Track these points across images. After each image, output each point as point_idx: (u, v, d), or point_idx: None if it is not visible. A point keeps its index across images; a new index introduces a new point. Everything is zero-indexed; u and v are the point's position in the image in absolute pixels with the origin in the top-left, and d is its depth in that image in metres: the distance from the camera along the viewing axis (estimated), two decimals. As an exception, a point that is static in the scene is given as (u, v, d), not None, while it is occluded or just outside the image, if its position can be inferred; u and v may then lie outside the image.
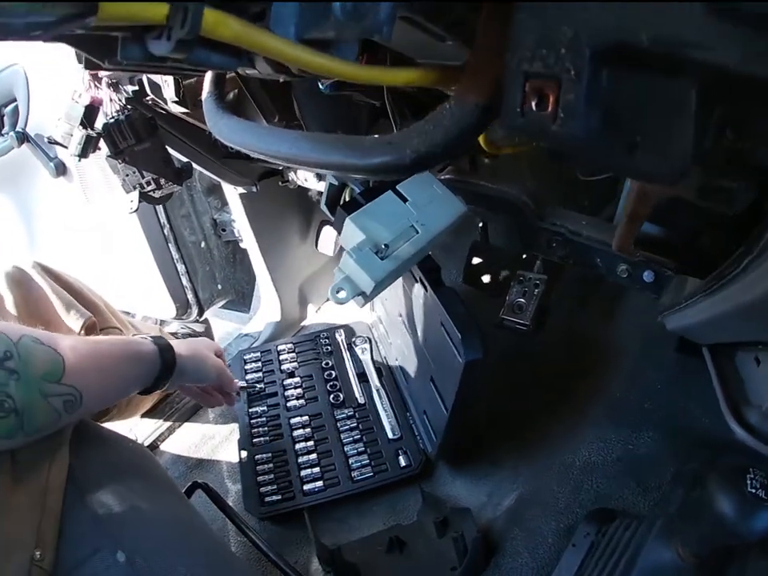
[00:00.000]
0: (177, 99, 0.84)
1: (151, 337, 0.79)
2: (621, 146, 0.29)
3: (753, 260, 0.41)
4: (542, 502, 0.88)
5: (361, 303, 0.51)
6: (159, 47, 0.27)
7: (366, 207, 0.53)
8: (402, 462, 1.04)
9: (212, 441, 1.18)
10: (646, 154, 0.28)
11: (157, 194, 1.05)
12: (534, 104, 0.27)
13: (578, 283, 1.21)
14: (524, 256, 0.94)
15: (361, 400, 1.19)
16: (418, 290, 0.96)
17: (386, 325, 1.28)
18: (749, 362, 0.55)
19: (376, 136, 0.35)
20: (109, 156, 0.99)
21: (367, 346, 1.31)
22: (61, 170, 1.37)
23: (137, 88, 0.93)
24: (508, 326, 0.93)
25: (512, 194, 0.70)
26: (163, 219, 1.53)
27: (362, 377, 1.24)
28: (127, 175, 1.01)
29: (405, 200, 0.55)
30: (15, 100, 1.38)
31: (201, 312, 1.61)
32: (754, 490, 0.59)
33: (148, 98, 0.95)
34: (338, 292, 0.46)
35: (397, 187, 0.52)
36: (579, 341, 1.15)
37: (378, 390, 1.20)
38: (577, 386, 1.07)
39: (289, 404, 1.18)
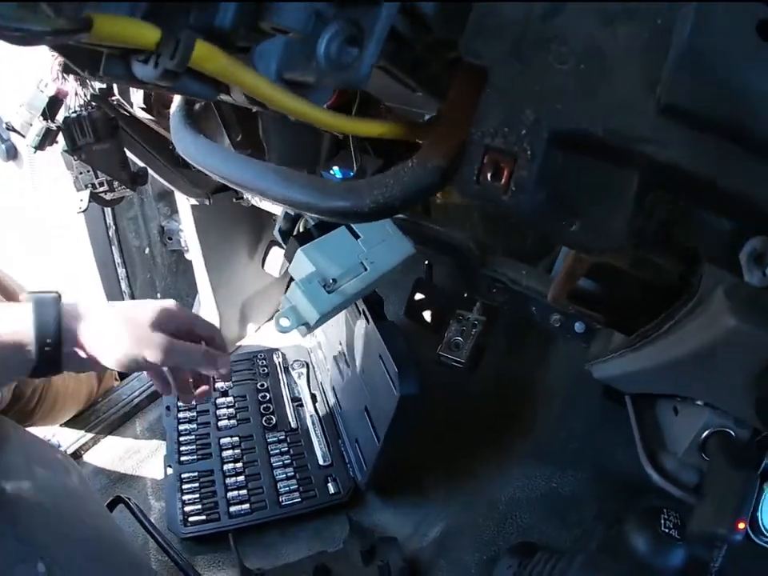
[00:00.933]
0: (143, 106, 0.83)
1: (31, 293, 0.61)
2: (561, 220, 0.32)
3: (673, 325, 0.46)
4: (467, 534, 0.90)
5: (303, 333, 0.52)
6: (144, 72, 0.28)
7: (318, 240, 0.54)
8: (331, 489, 1.04)
9: (137, 455, 1.13)
10: (584, 229, 0.32)
11: (108, 196, 1.03)
12: (489, 175, 0.30)
13: (515, 326, 1.26)
14: (465, 295, 0.97)
15: (293, 424, 1.18)
16: (359, 320, 0.98)
17: (324, 351, 1.28)
18: (668, 411, 0.60)
19: (339, 180, 0.37)
20: (65, 151, 0.96)
21: (304, 370, 1.31)
22: (12, 153, 1.32)
23: (104, 86, 0.91)
24: (444, 362, 0.96)
25: (458, 239, 0.74)
26: (110, 220, 1.49)
27: (297, 401, 1.23)
28: (81, 173, 0.98)
29: (357, 236, 0.57)
30: None
31: (136, 320, 1.56)
32: (667, 530, 0.64)
33: (114, 98, 0.93)
34: (282, 320, 0.47)
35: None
36: (512, 381, 1.20)
37: (311, 416, 1.20)
38: (507, 425, 1.11)
39: (220, 423, 1.16)
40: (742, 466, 0.48)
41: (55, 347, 0.58)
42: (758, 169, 0.27)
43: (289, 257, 0.53)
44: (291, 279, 0.50)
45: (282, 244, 0.71)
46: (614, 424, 0.98)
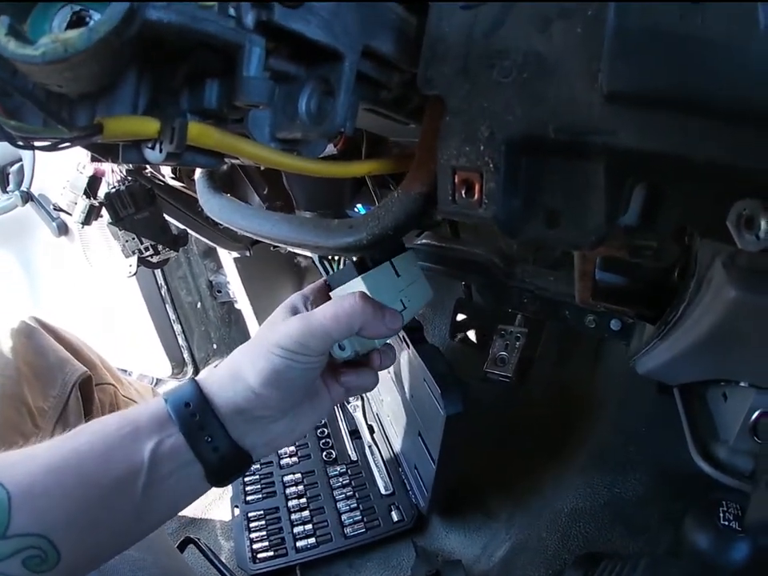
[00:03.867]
0: (173, 175, 0.91)
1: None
2: (540, 223, 0.34)
3: (687, 306, 0.46)
4: (532, 549, 0.90)
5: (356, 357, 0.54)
6: (153, 156, 0.33)
7: (371, 272, 0.55)
8: (395, 517, 1.05)
9: (205, 498, 1.18)
10: (563, 228, 0.34)
11: (154, 259, 1.12)
12: (463, 192, 0.33)
13: (561, 334, 1.26)
14: (508, 310, 0.99)
15: (353, 457, 1.21)
16: (403, 348, 1.01)
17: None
18: (717, 398, 0.58)
19: (341, 220, 0.41)
20: (110, 223, 1.05)
21: (359, 403, 1.34)
22: (63, 229, 1.45)
23: (137, 162, 1.00)
24: (492, 379, 0.97)
25: (481, 255, 0.76)
26: (161, 281, 1.60)
27: (355, 434, 1.27)
28: (127, 241, 1.08)
29: (397, 274, 0.58)
30: (21, 160, 1.47)
31: (196, 371, 1.65)
32: (727, 522, 0.62)
33: (147, 171, 1.03)
34: (340, 348, 0.50)
35: (392, 260, 0.55)
36: (563, 390, 1.19)
37: (370, 447, 1.22)
38: (563, 435, 1.09)
39: (282, 462, 1.20)
40: None
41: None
42: (723, 132, 0.28)
43: (337, 281, 0.54)
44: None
45: (324, 273, 0.74)
46: (672, 420, 0.95)
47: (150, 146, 0.33)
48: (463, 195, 0.33)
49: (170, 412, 0.44)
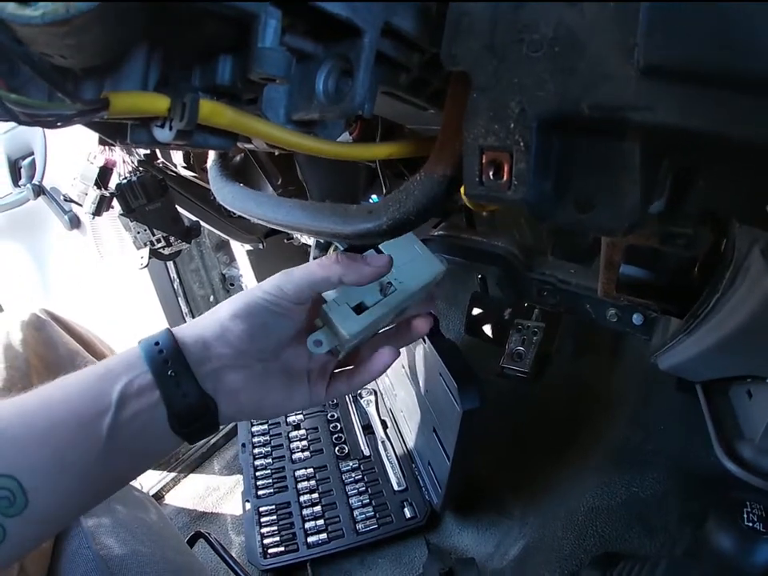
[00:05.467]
0: (185, 165, 0.90)
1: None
2: (572, 206, 0.32)
3: (719, 299, 0.44)
4: (547, 548, 0.88)
5: (338, 354, 0.53)
6: (162, 135, 0.32)
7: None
8: (408, 514, 1.04)
9: (216, 492, 1.18)
10: (597, 212, 0.32)
11: (166, 251, 1.11)
12: (491, 173, 0.31)
13: (579, 329, 1.23)
14: (525, 305, 0.97)
15: (366, 452, 1.20)
16: (418, 342, 0.99)
17: (390, 377, 1.30)
18: (741, 396, 0.57)
19: (358, 205, 0.39)
20: (121, 214, 1.05)
21: (372, 398, 1.33)
22: (75, 223, 1.45)
23: (148, 152, 1.00)
24: (508, 374, 0.95)
25: (501, 247, 0.74)
26: (173, 274, 1.60)
27: (368, 429, 1.25)
28: (138, 233, 1.07)
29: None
30: (32, 153, 1.47)
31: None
32: (751, 524, 0.59)
33: (159, 161, 1.02)
34: (314, 343, 0.49)
35: (379, 246, 0.55)
36: (580, 386, 1.17)
37: (383, 442, 1.21)
38: (579, 432, 1.07)
39: (294, 456, 1.19)
40: None
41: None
42: (751, 110, 0.26)
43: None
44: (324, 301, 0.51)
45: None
46: (692, 418, 0.93)
47: (159, 124, 0.32)
48: (491, 177, 0.31)
49: (141, 351, 0.45)
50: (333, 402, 1.33)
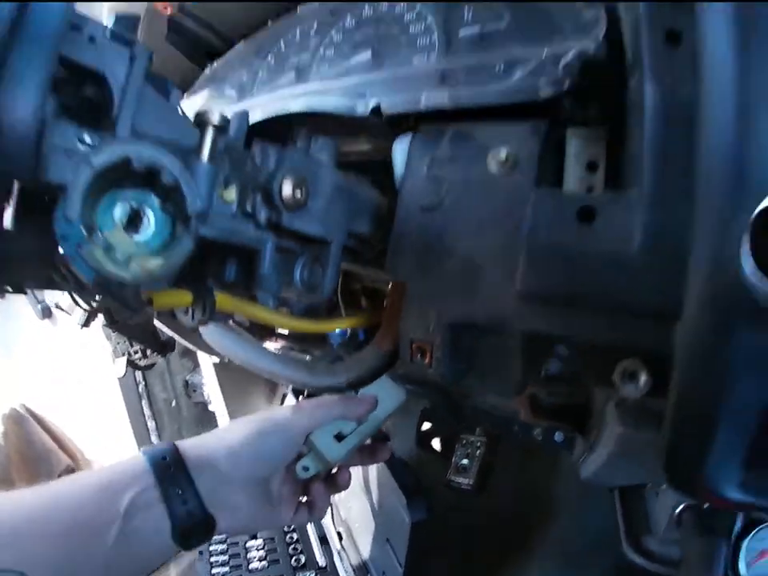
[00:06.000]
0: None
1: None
2: (476, 379, 0.46)
3: (596, 435, 0.57)
4: None
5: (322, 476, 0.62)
6: (187, 321, 0.44)
7: None
8: (363, 625, 1.08)
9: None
10: (491, 384, 0.45)
11: (142, 363, 1.20)
12: (418, 356, 0.45)
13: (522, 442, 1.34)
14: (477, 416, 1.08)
15: (322, 562, 1.24)
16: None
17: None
18: (651, 495, 0.66)
19: (324, 363, 0.52)
20: (105, 325, 1.14)
21: (328, 509, 1.38)
22: (47, 313, 1.52)
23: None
24: (454, 487, 1.05)
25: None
26: (139, 377, 1.65)
27: (323, 540, 1.30)
28: (119, 343, 1.17)
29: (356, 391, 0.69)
30: None
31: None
32: None
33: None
34: (303, 468, 0.58)
35: None
36: (525, 492, 1.25)
37: (339, 552, 1.25)
38: (525, 536, 1.15)
39: (251, 566, 1.22)
40: (710, 532, 0.53)
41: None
42: (596, 321, 0.40)
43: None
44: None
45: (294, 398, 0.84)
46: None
47: (183, 311, 0.44)
48: (419, 358, 0.45)
49: (147, 464, 0.50)
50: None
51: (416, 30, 0.58)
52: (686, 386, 0.35)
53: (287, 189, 0.41)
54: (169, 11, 0.80)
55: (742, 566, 0.52)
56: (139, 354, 1.19)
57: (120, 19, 0.47)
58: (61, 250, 0.32)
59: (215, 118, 0.40)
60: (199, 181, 0.38)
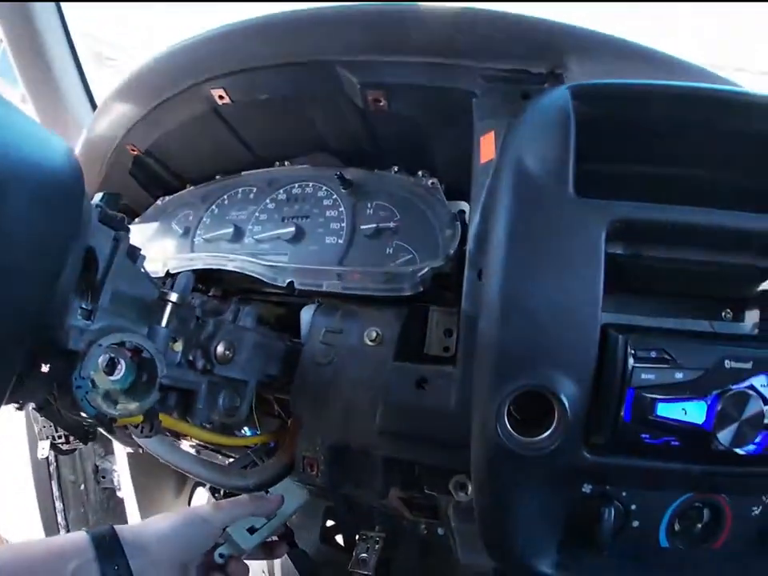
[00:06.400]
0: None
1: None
2: (352, 486, 0.63)
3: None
4: None
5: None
6: (136, 433, 0.59)
7: None
8: None
9: None
10: (362, 489, 0.63)
11: (64, 447, 1.27)
12: (308, 468, 0.62)
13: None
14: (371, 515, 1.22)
15: None
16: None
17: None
18: None
19: (236, 470, 0.68)
20: (33, 408, 1.22)
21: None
22: None
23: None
24: (356, 578, 1.17)
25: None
26: (51, 457, 1.67)
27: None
28: (44, 426, 1.24)
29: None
30: None
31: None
32: None
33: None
34: (219, 555, 0.69)
35: None
36: None
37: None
38: None
39: None
40: None
41: None
42: (432, 450, 0.59)
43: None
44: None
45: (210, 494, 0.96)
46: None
47: (135, 426, 0.60)
48: (308, 469, 0.62)
49: (90, 540, 0.59)
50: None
51: (331, 215, 0.80)
52: (477, 494, 0.53)
53: (220, 349, 0.59)
54: (135, 152, 0.99)
55: None
56: (63, 440, 1.26)
57: (108, 197, 0.64)
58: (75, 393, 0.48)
59: (174, 297, 0.57)
60: (158, 341, 0.55)
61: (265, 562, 1.28)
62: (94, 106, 1.26)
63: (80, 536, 0.61)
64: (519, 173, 0.49)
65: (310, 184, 0.85)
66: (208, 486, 1.05)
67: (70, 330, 0.48)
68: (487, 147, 0.59)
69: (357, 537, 1.22)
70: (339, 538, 1.30)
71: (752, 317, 0.66)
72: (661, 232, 0.50)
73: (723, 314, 0.65)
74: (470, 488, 0.62)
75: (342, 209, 0.80)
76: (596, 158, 0.52)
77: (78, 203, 0.49)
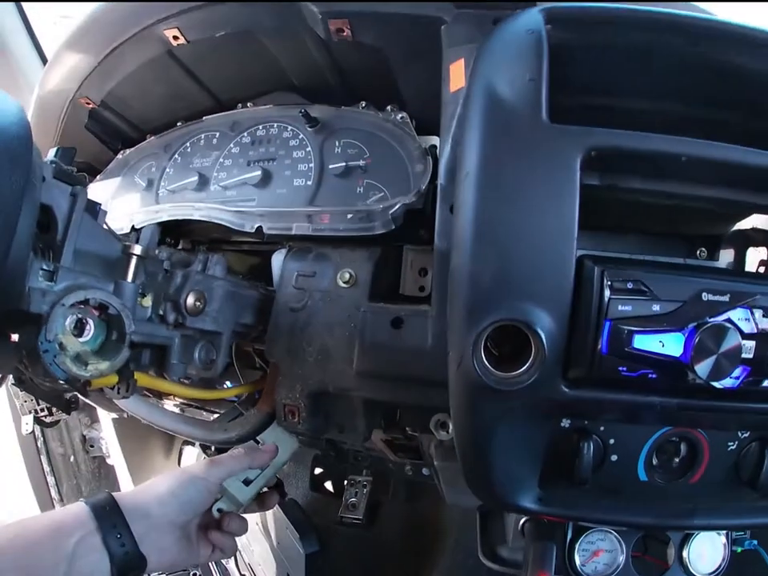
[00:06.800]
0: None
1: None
2: (334, 429, 0.64)
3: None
4: None
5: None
6: (113, 394, 0.59)
7: None
8: None
9: None
10: (346, 433, 0.64)
11: (48, 420, 1.28)
12: (290, 416, 0.62)
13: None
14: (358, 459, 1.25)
15: (228, 604, 1.34)
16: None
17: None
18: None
19: (219, 424, 0.68)
20: (12, 384, 1.21)
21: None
22: None
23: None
24: (347, 523, 1.21)
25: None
26: (37, 432, 1.68)
27: (230, 583, 1.40)
28: (25, 401, 1.24)
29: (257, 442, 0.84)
30: None
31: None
32: None
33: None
34: (218, 510, 0.69)
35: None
36: (414, 522, 1.42)
37: (243, 593, 1.37)
38: (416, 562, 1.32)
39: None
40: (544, 538, 0.63)
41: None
42: (411, 390, 0.59)
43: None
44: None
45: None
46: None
47: (110, 388, 0.59)
48: (290, 417, 0.62)
49: (90, 511, 0.59)
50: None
51: (298, 155, 0.78)
52: (457, 431, 0.53)
53: (190, 301, 0.58)
54: (91, 105, 0.94)
55: (577, 564, 0.63)
56: (45, 412, 1.26)
57: (62, 151, 0.61)
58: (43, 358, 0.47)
59: (137, 250, 0.56)
60: (125, 297, 0.54)
61: (258, 513, 1.31)
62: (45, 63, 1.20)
63: (79, 508, 0.61)
64: (490, 100, 0.47)
65: (275, 125, 0.82)
66: (198, 443, 1.07)
67: (31, 292, 0.46)
68: (457, 75, 0.57)
69: (345, 482, 1.28)
70: (328, 485, 1.34)
71: (726, 256, 0.67)
72: (637, 161, 0.48)
73: (698, 252, 0.66)
74: (450, 426, 0.62)
75: (308, 149, 0.77)
76: (570, 87, 0.50)
77: (26, 157, 0.46)
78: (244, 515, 0.74)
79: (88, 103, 0.93)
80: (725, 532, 0.65)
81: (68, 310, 0.48)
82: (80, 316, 0.50)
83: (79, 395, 1.24)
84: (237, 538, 0.74)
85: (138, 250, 0.55)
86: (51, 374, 0.48)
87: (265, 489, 0.78)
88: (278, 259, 0.67)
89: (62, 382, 0.50)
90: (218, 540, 0.71)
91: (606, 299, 0.46)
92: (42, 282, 0.47)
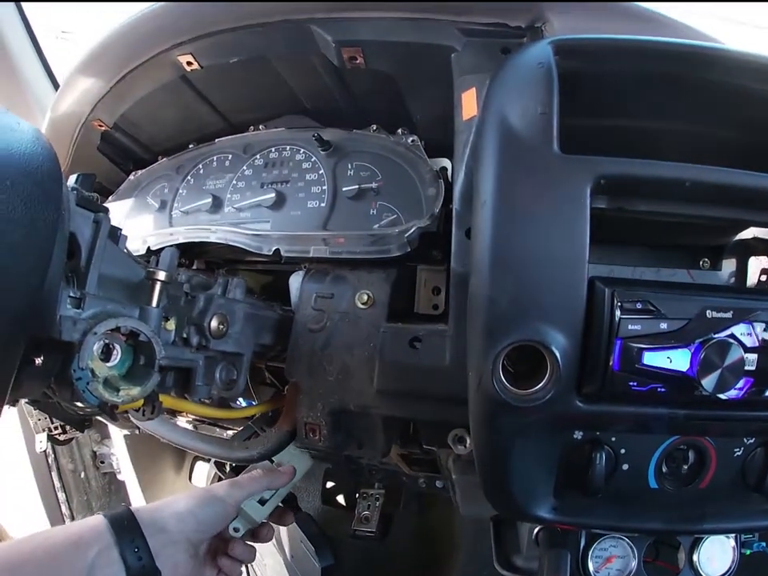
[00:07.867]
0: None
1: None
2: (354, 447, 0.66)
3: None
4: None
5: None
6: (137, 417, 0.61)
7: None
8: None
9: None
10: (365, 449, 0.66)
11: (62, 438, 1.30)
12: (311, 434, 0.65)
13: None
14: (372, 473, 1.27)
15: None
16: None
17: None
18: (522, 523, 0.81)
19: (239, 442, 0.71)
20: (26, 402, 1.24)
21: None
22: None
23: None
24: (360, 536, 1.23)
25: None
26: (48, 449, 1.70)
27: (240, 598, 1.42)
28: (39, 420, 1.26)
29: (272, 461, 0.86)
30: None
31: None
32: None
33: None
34: (234, 529, 0.72)
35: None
36: (425, 534, 1.45)
37: (255, 609, 1.38)
38: (429, 573, 1.34)
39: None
40: (558, 546, 0.65)
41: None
42: (430, 407, 0.62)
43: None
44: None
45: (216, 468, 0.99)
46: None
47: (135, 410, 0.62)
48: (311, 435, 0.65)
49: (108, 525, 0.61)
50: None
51: (311, 178, 0.81)
52: (476, 446, 0.55)
53: (214, 324, 0.60)
54: (103, 128, 0.97)
55: (591, 571, 0.66)
56: (59, 430, 1.28)
57: (82, 178, 0.63)
58: (76, 385, 0.49)
59: (162, 276, 0.58)
60: (151, 322, 0.56)
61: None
62: (55, 85, 1.23)
63: (98, 521, 0.63)
64: (503, 131, 0.50)
65: (287, 147, 0.85)
66: (212, 460, 1.09)
67: (62, 321, 0.49)
68: (469, 104, 0.60)
69: (357, 495, 1.30)
70: (340, 498, 1.36)
71: (729, 265, 0.70)
72: (644, 187, 0.52)
73: (701, 262, 0.69)
74: (468, 441, 0.65)
75: (321, 171, 0.80)
76: (579, 113, 0.53)
77: (57, 190, 0.48)
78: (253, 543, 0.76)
79: (101, 126, 0.96)
80: (733, 535, 0.68)
81: (98, 337, 0.51)
82: (107, 341, 0.53)
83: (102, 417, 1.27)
84: None
85: (162, 276, 0.58)
86: (84, 400, 0.50)
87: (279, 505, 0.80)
88: (296, 281, 0.70)
89: (92, 407, 0.52)
90: (226, 565, 0.73)
91: (617, 319, 0.49)
92: (70, 310, 0.50)
